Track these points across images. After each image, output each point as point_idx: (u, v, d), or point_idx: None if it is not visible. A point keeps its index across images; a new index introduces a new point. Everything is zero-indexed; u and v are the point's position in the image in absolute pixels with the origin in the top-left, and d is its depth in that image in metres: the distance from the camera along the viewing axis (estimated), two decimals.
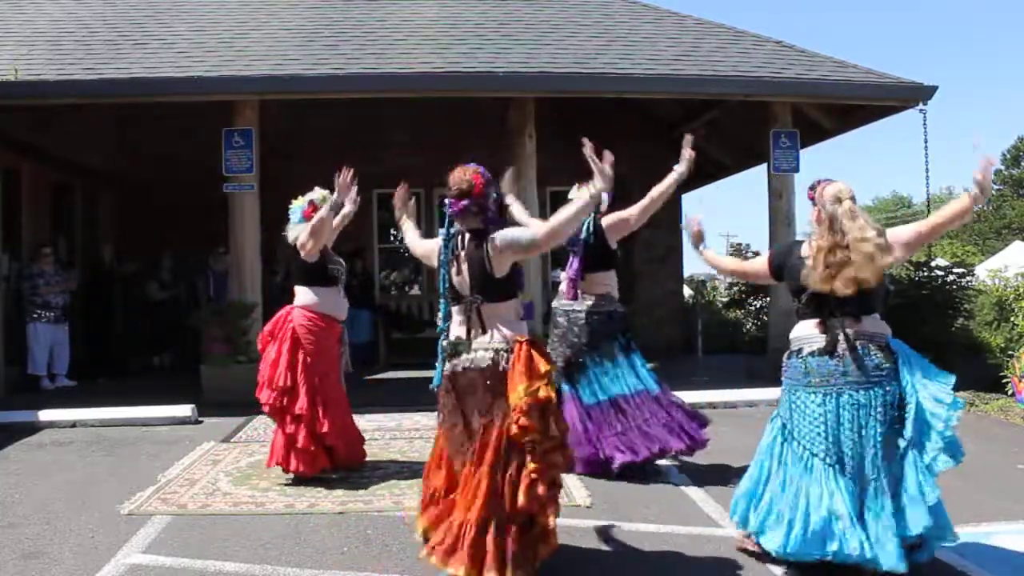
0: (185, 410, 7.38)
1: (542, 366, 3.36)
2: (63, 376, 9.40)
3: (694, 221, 4.21)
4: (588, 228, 5.29)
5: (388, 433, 6.81)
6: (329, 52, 9.02)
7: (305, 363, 5.08)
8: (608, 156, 3.59)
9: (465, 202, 3.49)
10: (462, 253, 3.52)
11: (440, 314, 3.63)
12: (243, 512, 4.65)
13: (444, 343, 3.57)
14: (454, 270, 3.53)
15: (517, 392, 3.30)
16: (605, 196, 5.23)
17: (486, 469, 3.35)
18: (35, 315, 9.14)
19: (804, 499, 3.46)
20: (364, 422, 7.20)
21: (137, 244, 11.44)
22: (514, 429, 3.31)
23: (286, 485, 5.11)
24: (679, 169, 5.28)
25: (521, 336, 3.45)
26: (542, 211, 9.09)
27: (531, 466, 3.32)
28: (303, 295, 5.22)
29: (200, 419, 7.34)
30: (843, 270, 3.46)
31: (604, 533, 4.22)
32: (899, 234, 3.62)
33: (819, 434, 3.51)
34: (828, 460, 3.47)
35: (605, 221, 5.34)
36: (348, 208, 5.31)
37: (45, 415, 7.25)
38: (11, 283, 9.28)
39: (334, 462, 5.22)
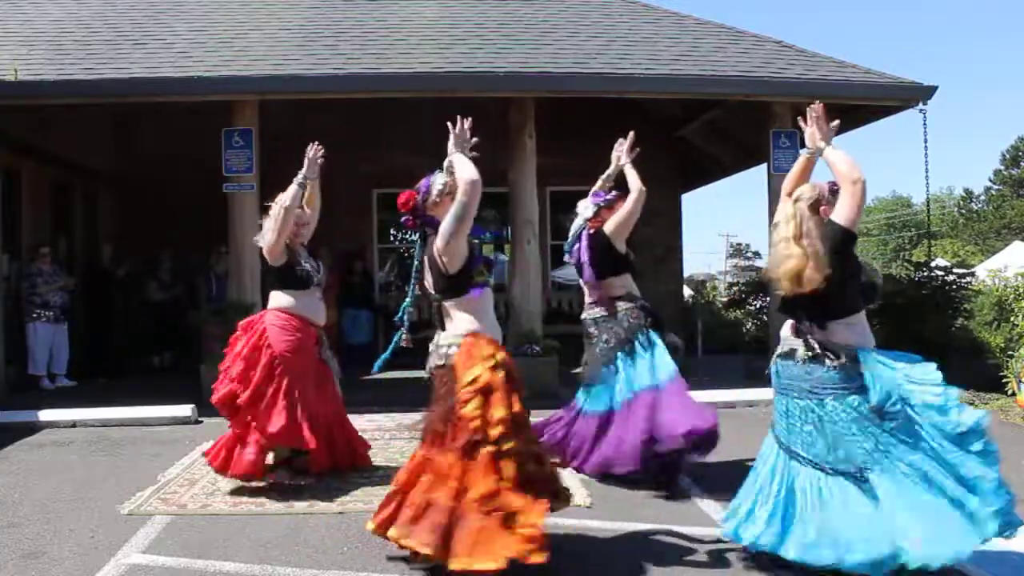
0: (185, 410, 7.38)
1: (482, 351, 3.55)
2: (63, 376, 9.40)
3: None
4: (575, 236, 5.40)
5: (388, 433, 6.81)
6: (329, 52, 9.02)
7: (270, 362, 4.92)
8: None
9: (403, 218, 3.85)
10: (425, 258, 3.77)
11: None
12: (243, 512, 4.65)
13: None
14: (424, 274, 3.79)
15: (459, 383, 3.52)
16: (590, 204, 5.40)
17: (454, 458, 3.50)
18: (35, 315, 9.14)
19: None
20: (364, 422, 7.21)
21: (137, 244, 11.44)
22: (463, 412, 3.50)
23: (286, 485, 5.07)
24: (623, 160, 5.43)
25: (469, 331, 3.63)
26: (542, 210, 9.09)
27: (486, 451, 3.45)
28: (276, 299, 5.12)
29: (200, 419, 7.33)
30: (777, 268, 3.52)
31: (604, 533, 4.22)
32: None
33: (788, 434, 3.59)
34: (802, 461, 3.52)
35: (608, 227, 5.30)
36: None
37: (45, 415, 7.25)
38: (11, 283, 9.28)
39: (320, 466, 5.12)
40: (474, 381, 3.48)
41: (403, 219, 3.87)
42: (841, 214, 3.47)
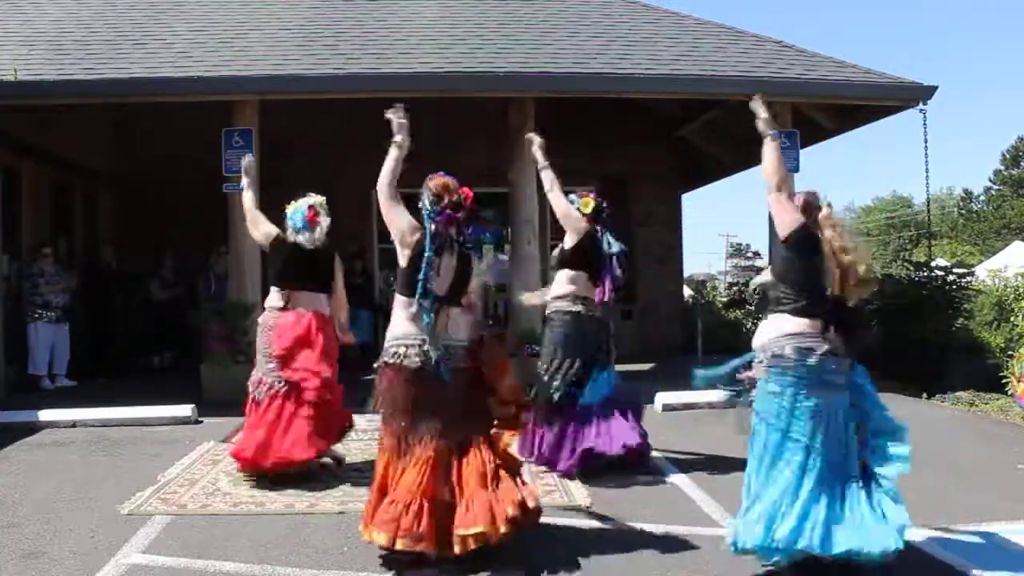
0: (185, 410, 7.38)
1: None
2: (63, 376, 9.39)
3: None
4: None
5: None
6: (329, 52, 9.02)
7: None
8: None
9: (459, 215, 3.88)
10: (453, 262, 3.87)
11: (424, 310, 3.83)
12: (243, 512, 4.65)
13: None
14: (433, 272, 3.81)
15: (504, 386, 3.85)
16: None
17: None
18: (35, 315, 9.13)
19: None
20: (364, 422, 7.19)
21: (137, 244, 11.43)
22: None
23: (284, 485, 5.07)
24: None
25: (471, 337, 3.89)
26: (542, 210, 9.07)
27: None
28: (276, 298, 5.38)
29: (200, 419, 7.33)
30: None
31: (604, 533, 4.21)
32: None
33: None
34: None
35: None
36: None
37: (45, 415, 7.24)
38: (11, 283, 9.28)
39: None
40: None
41: (453, 212, 3.86)
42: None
